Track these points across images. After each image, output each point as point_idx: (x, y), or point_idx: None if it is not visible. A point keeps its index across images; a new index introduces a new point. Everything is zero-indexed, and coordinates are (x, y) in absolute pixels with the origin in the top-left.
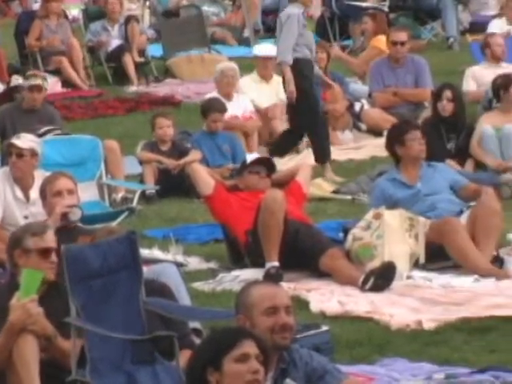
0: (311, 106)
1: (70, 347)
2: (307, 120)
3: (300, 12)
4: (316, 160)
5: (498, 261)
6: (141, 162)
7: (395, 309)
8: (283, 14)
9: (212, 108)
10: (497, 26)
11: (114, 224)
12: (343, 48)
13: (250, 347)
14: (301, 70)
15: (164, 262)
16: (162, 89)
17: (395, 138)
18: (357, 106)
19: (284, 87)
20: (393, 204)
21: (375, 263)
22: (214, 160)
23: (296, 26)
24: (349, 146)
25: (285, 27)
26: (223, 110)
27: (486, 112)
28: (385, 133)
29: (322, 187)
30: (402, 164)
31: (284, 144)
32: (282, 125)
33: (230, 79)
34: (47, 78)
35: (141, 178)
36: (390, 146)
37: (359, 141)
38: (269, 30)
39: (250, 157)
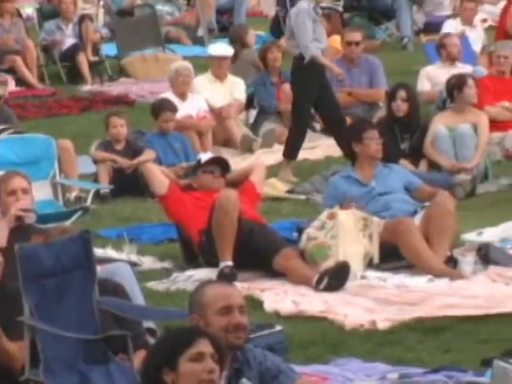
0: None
1: (16, 348)
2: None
3: (310, 7)
4: (284, 154)
5: (452, 261)
6: (95, 161)
7: (349, 309)
8: (293, 9)
9: (163, 108)
10: (451, 27)
11: (67, 223)
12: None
13: (205, 346)
14: (308, 64)
15: (118, 261)
16: (116, 88)
17: (353, 136)
18: None
19: None
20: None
21: (329, 263)
22: (167, 159)
23: (308, 20)
24: (303, 146)
25: (297, 24)
26: (174, 109)
27: (440, 112)
28: None
29: (276, 187)
30: (358, 162)
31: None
32: (236, 124)
33: (185, 78)
34: (7, 82)
35: (95, 178)
36: (347, 143)
37: (314, 141)
38: (223, 30)
39: (204, 156)
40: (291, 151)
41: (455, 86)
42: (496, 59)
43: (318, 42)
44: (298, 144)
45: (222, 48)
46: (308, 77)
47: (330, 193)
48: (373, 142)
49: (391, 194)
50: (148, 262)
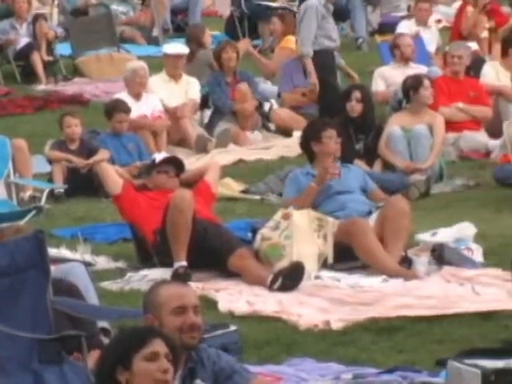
0: (334, 96)
1: None
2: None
3: (319, 3)
4: None
5: (406, 261)
6: (49, 161)
7: (303, 309)
8: (302, 6)
9: (116, 109)
10: (405, 27)
11: (21, 223)
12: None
13: (159, 346)
14: (321, 61)
15: (72, 261)
16: (70, 88)
17: (312, 135)
18: (266, 106)
19: None
20: None
21: (284, 263)
22: (120, 159)
23: (314, 17)
24: (258, 146)
25: (303, 19)
26: (127, 110)
27: (396, 113)
28: (294, 133)
29: (231, 187)
30: (317, 162)
31: None
32: (190, 124)
33: (142, 79)
34: None
35: (49, 177)
36: (305, 142)
37: (268, 141)
38: (178, 30)
39: (159, 156)
40: None
41: (411, 86)
42: (450, 59)
43: (328, 39)
44: None
45: (177, 47)
46: (322, 70)
47: (291, 185)
48: (332, 141)
49: (348, 194)
50: (102, 262)
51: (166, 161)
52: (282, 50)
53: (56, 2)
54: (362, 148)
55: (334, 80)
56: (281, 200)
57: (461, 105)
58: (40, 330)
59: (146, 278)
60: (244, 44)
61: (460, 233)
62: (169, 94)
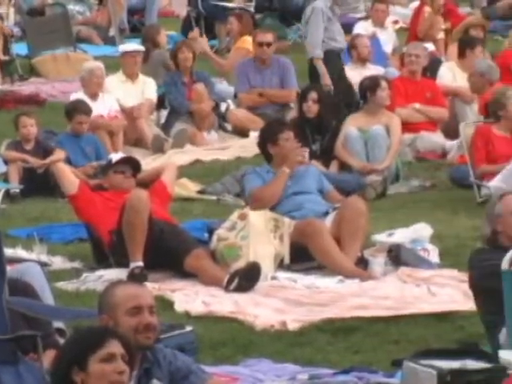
0: (349, 93)
1: None
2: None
3: (325, 5)
4: None
5: (363, 262)
6: (5, 161)
7: (260, 309)
8: (308, 8)
9: (77, 110)
10: (362, 28)
11: None
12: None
13: (115, 347)
14: (328, 62)
15: (28, 261)
16: (27, 87)
17: (268, 137)
18: (222, 107)
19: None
20: None
21: (240, 264)
22: (77, 161)
23: (321, 19)
24: (214, 147)
25: (310, 22)
26: (88, 112)
27: (352, 113)
28: (250, 133)
29: (187, 187)
30: (274, 163)
31: None
32: (147, 124)
33: (99, 79)
34: None
35: (5, 177)
36: (262, 144)
37: (225, 141)
38: (134, 30)
39: (115, 156)
40: None
41: (368, 87)
42: (408, 58)
43: (334, 41)
44: None
45: (133, 45)
46: (331, 70)
47: (254, 178)
48: (288, 143)
49: (305, 195)
50: (58, 262)
51: (122, 161)
52: (238, 49)
53: (12, 2)
54: (318, 149)
55: (344, 78)
56: (236, 200)
57: (417, 106)
58: None
59: (101, 278)
60: (201, 43)
61: (416, 233)
62: (125, 93)
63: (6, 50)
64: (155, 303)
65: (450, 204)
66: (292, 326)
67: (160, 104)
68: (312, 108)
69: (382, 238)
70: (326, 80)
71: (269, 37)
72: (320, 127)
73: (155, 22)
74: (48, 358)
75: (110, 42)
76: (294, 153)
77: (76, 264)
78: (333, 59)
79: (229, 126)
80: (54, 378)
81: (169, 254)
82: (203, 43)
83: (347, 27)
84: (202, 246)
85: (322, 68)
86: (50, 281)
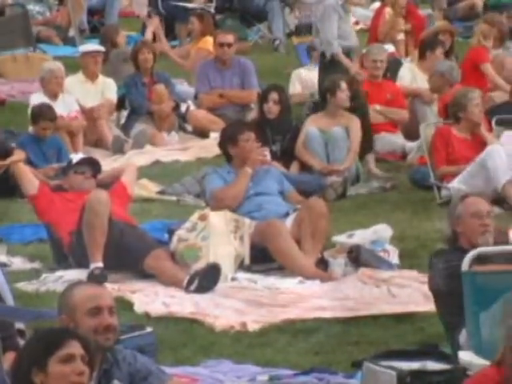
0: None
1: None
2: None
3: (336, 3)
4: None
5: (323, 263)
6: None
7: (220, 310)
8: (320, 6)
9: (43, 116)
10: None
11: None
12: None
13: (75, 348)
14: (337, 62)
15: None
16: None
17: (229, 138)
18: (183, 107)
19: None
20: None
21: (200, 264)
22: (38, 163)
23: (334, 17)
24: (174, 147)
25: (323, 20)
26: (54, 118)
27: (313, 114)
28: (211, 134)
29: (147, 188)
30: (234, 164)
31: None
32: (107, 125)
33: (59, 80)
34: None
35: None
36: (223, 145)
37: (185, 142)
38: (94, 30)
39: (76, 157)
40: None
41: (328, 89)
42: (372, 64)
43: (343, 40)
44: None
45: (93, 46)
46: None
47: (215, 178)
48: (248, 144)
49: (266, 195)
50: (18, 263)
51: (82, 162)
52: (199, 50)
53: None
54: (278, 149)
55: (352, 78)
56: (196, 201)
57: (378, 107)
58: None
59: (61, 279)
60: (161, 43)
61: (376, 234)
62: (85, 94)
63: None
64: (115, 304)
65: (410, 205)
66: (252, 326)
67: (120, 105)
68: (272, 109)
69: (342, 239)
70: (354, 69)
71: (229, 38)
72: (280, 128)
73: (115, 23)
74: (8, 360)
75: (70, 42)
76: (254, 153)
77: (36, 265)
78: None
79: (189, 127)
80: (14, 380)
81: (129, 254)
82: (163, 43)
83: (307, 28)
84: (161, 246)
85: (345, 60)
86: (10, 281)
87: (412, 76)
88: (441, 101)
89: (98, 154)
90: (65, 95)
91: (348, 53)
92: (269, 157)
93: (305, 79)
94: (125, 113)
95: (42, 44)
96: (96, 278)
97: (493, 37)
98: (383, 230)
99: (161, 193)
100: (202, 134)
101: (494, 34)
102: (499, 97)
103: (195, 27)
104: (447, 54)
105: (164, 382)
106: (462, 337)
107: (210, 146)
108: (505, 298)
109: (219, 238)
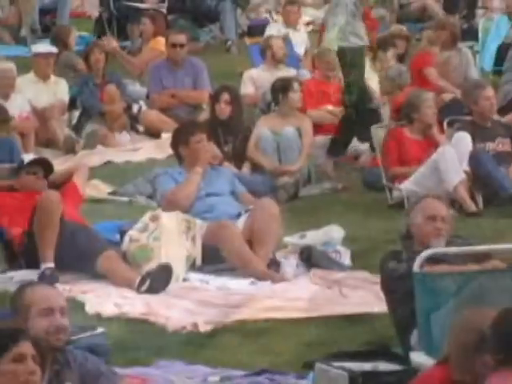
0: (360, 94)
1: None
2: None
3: (350, 1)
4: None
5: (275, 264)
6: None
7: (171, 311)
8: (334, 1)
9: None
10: (274, 29)
11: None
12: (122, 49)
13: (26, 348)
14: (349, 59)
15: None
16: None
17: (180, 139)
18: (134, 108)
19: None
20: None
21: (152, 265)
22: None
23: (345, 11)
24: (126, 148)
25: (335, 13)
26: (7, 119)
27: (264, 115)
28: (163, 135)
29: (99, 188)
30: (186, 164)
31: (340, 137)
32: (59, 125)
33: (10, 80)
34: None
35: None
36: (174, 145)
37: (137, 142)
38: (46, 30)
39: (27, 157)
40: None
41: (280, 89)
42: (326, 65)
43: (356, 37)
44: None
45: (46, 46)
46: (350, 67)
47: (167, 179)
48: (200, 145)
49: (218, 196)
50: None
51: (34, 162)
52: (150, 50)
53: None
54: (230, 150)
55: (361, 77)
56: (148, 202)
57: (330, 108)
58: None
59: (12, 279)
60: (110, 43)
61: (328, 235)
62: (37, 94)
63: None
64: (66, 305)
65: (361, 206)
66: (204, 327)
67: (72, 105)
68: (224, 109)
69: (293, 240)
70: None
71: (181, 38)
72: (232, 129)
73: (67, 23)
74: None
75: (22, 42)
76: (205, 152)
77: None
78: (354, 56)
79: (141, 127)
80: None
81: (80, 255)
82: (113, 42)
83: (259, 29)
84: (113, 247)
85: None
86: None
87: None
88: (392, 103)
89: (49, 154)
90: (16, 95)
91: (361, 51)
92: (220, 157)
93: (257, 80)
94: (76, 113)
95: None
96: (47, 279)
97: (445, 39)
98: (335, 231)
99: (112, 193)
100: (154, 134)
101: (445, 37)
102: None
103: (147, 28)
104: (402, 59)
105: (115, 383)
106: (414, 338)
107: (162, 147)
108: (455, 299)
109: (171, 238)
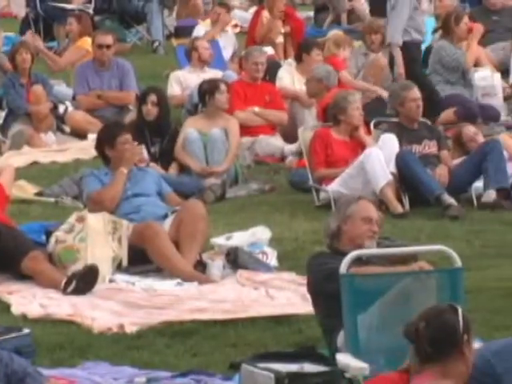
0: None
1: None
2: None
3: None
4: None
5: (201, 265)
6: None
7: (97, 312)
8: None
9: None
10: (202, 30)
11: None
12: (49, 49)
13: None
14: (409, 53)
15: None
16: None
17: (106, 140)
18: (61, 108)
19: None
20: None
21: (78, 266)
22: None
23: (408, 7)
24: (52, 149)
25: (395, 7)
26: None
27: (191, 116)
28: (89, 135)
29: (25, 189)
30: (111, 166)
31: None
32: None
33: None
34: None
35: None
36: (100, 146)
37: (63, 143)
38: None
39: None
40: None
41: (207, 91)
42: (253, 66)
43: (417, 32)
44: None
45: None
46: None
47: (93, 180)
48: (125, 146)
49: (144, 197)
50: None
51: None
52: (76, 48)
53: None
54: (157, 151)
55: (420, 72)
56: (74, 203)
57: (256, 109)
58: None
59: None
60: (36, 42)
61: (255, 236)
62: None
63: None
64: None
65: (288, 207)
66: (130, 328)
67: None
68: (151, 110)
69: (220, 241)
70: (400, 69)
71: (108, 39)
72: (159, 130)
73: None
74: None
75: None
76: (130, 152)
77: None
78: (413, 51)
79: (67, 128)
80: None
81: (5, 255)
82: (36, 39)
83: (186, 30)
84: (39, 248)
85: (398, 56)
86: None
87: (291, 78)
88: (319, 104)
89: None
90: None
91: (419, 46)
92: (146, 155)
93: (183, 81)
94: (2, 113)
95: None
96: None
97: (376, 41)
98: (261, 232)
99: (39, 194)
100: (80, 135)
101: (378, 40)
102: None
103: (73, 28)
104: None
105: None
106: (340, 339)
107: (88, 148)
108: (381, 299)
109: (97, 239)
